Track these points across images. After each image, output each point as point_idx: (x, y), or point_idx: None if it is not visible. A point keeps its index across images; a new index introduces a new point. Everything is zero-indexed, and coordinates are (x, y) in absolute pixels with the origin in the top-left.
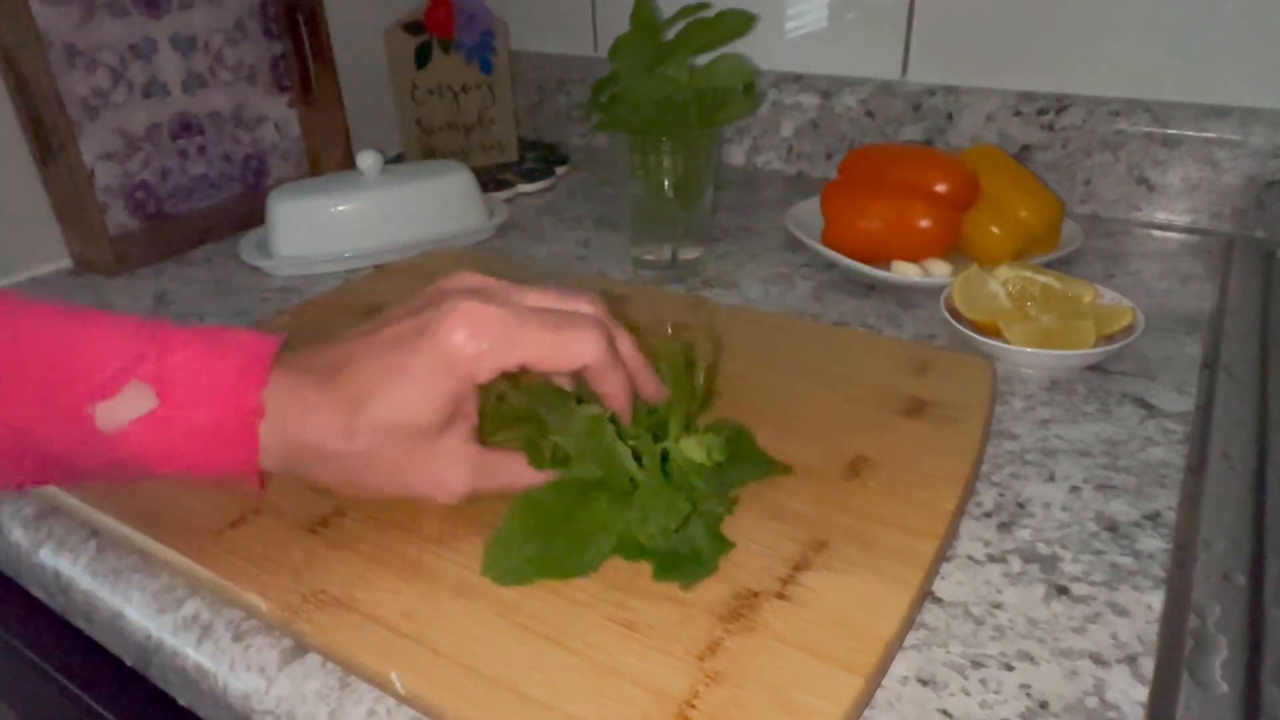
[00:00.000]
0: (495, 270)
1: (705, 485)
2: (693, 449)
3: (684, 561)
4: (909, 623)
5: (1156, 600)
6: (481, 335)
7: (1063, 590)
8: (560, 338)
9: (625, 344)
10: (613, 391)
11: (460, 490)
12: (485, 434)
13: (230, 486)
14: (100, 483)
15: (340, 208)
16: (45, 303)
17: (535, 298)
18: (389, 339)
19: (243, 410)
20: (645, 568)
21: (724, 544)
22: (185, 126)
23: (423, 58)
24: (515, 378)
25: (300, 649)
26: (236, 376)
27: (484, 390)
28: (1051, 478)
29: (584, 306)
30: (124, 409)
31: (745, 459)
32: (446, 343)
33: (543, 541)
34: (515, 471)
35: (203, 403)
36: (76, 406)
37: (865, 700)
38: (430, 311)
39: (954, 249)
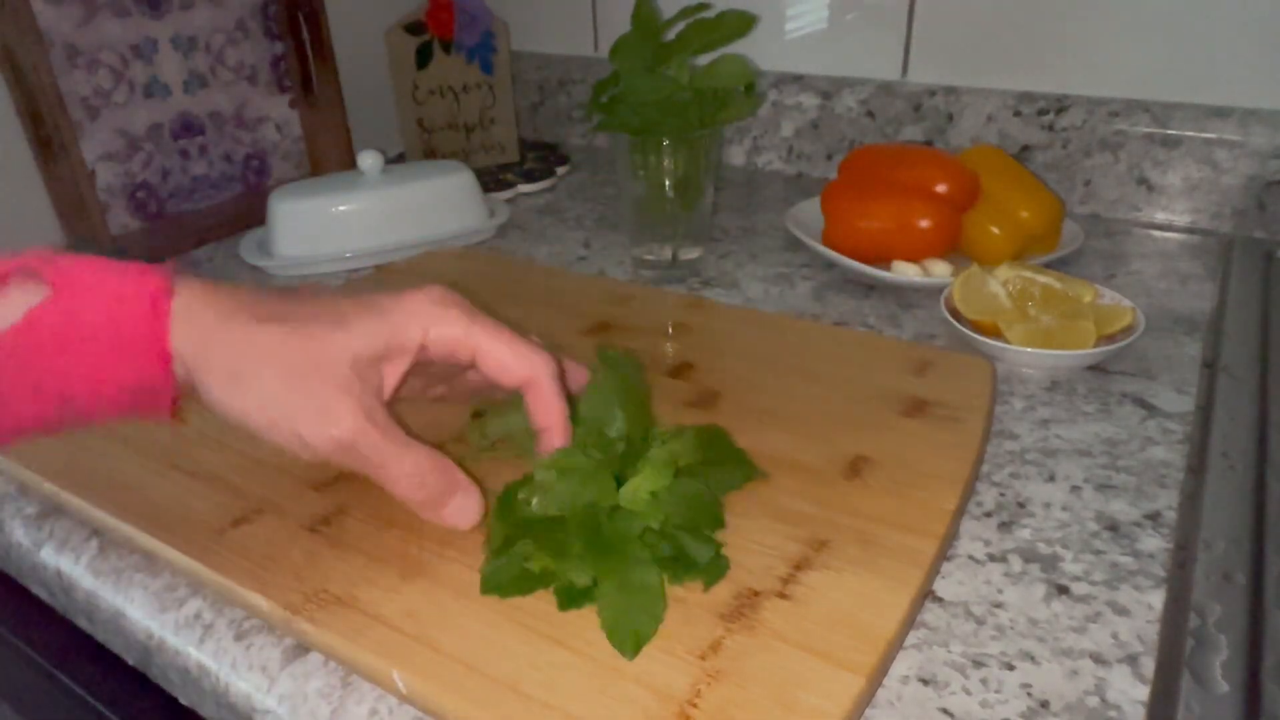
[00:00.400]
0: (495, 270)
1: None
2: (646, 482)
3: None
4: (910, 622)
5: (1157, 600)
6: (448, 302)
7: (1063, 590)
8: (515, 344)
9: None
10: (552, 420)
11: (346, 423)
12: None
13: (258, 478)
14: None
15: (341, 208)
16: None
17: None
18: (343, 297)
19: (150, 289)
20: None
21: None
22: (186, 126)
23: (423, 58)
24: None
25: (302, 648)
26: (135, 269)
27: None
28: (1052, 477)
29: (535, 343)
30: (13, 302)
31: (725, 462)
32: (417, 295)
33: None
34: (401, 450)
35: (102, 288)
36: None
37: (866, 699)
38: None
39: (954, 249)
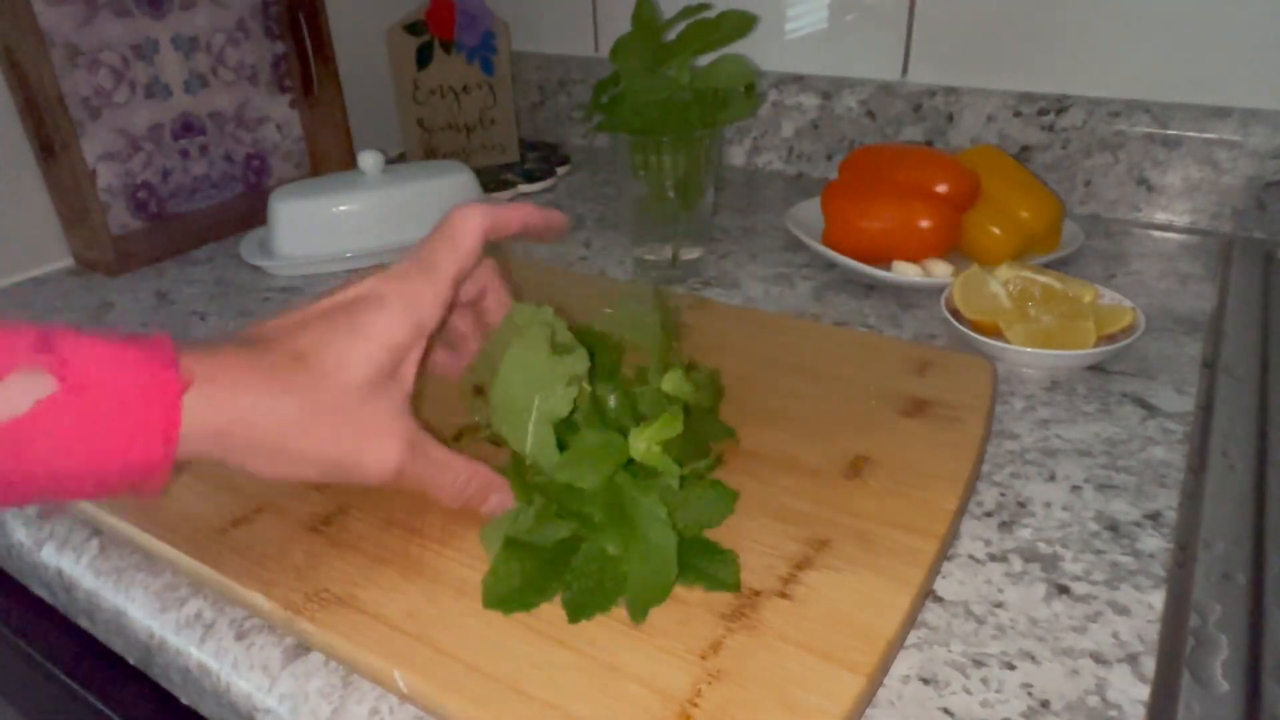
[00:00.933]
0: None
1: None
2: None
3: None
4: (910, 622)
5: (1157, 599)
6: (418, 291)
7: (1064, 589)
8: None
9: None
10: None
11: (391, 464)
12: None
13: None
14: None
15: (342, 208)
16: None
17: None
18: (327, 307)
19: (161, 381)
20: None
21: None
22: (187, 126)
23: (424, 58)
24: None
25: (303, 647)
26: (141, 353)
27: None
28: (1052, 477)
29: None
30: (17, 395)
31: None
32: (386, 295)
33: (540, 583)
34: (444, 464)
35: (110, 379)
36: None
37: (867, 699)
38: (360, 285)
39: (954, 249)
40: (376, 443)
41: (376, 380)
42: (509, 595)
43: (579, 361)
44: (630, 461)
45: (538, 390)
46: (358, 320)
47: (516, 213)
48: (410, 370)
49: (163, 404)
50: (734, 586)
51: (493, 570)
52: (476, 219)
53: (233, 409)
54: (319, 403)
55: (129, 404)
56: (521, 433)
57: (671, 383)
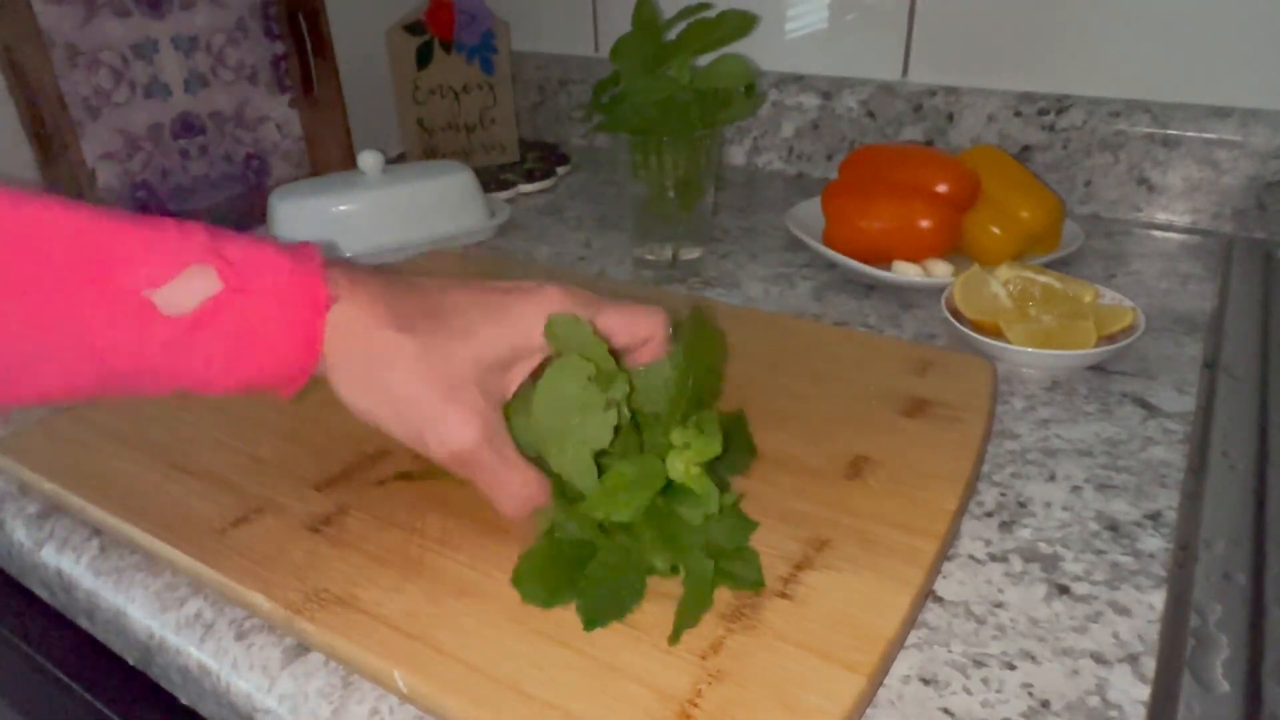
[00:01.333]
0: (496, 270)
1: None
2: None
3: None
4: (910, 622)
5: (1158, 599)
6: (568, 302)
7: (1064, 589)
8: (635, 310)
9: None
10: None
11: (465, 439)
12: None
13: (259, 478)
14: (145, 389)
15: (341, 208)
16: (60, 198)
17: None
18: (480, 285)
19: (312, 298)
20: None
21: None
22: (187, 126)
23: (424, 58)
24: None
25: (303, 648)
26: (296, 264)
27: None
28: (1052, 477)
29: (654, 309)
30: (187, 292)
31: (739, 448)
32: (544, 295)
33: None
34: (502, 465)
35: (268, 286)
36: (133, 293)
37: (867, 699)
38: (526, 283)
39: (954, 249)
40: (462, 413)
41: (490, 365)
42: (548, 595)
43: (619, 386)
44: (668, 485)
45: (576, 414)
46: (505, 305)
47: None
48: (517, 376)
49: (311, 313)
50: (758, 585)
51: (528, 571)
52: (659, 327)
53: (357, 327)
54: (432, 353)
55: (284, 309)
56: (560, 456)
57: (682, 437)
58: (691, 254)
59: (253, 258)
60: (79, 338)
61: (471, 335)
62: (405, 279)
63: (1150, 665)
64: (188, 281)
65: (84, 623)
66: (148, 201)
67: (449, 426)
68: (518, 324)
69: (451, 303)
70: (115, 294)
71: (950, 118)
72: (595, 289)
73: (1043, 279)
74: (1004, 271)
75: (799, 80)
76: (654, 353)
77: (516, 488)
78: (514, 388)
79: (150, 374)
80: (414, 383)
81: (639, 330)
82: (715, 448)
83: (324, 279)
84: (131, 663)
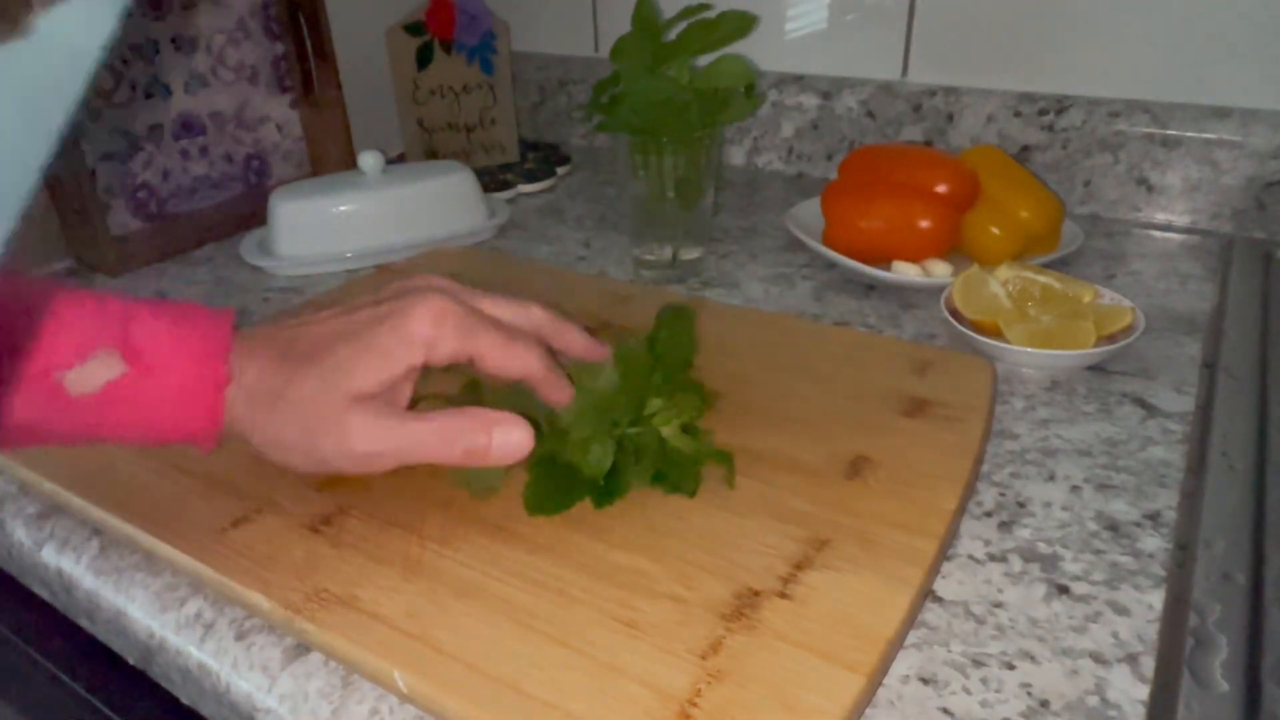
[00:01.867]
0: (496, 270)
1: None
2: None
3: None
4: (910, 622)
5: (1157, 599)
6: (443, 322)
7: (1063, 589)
8: (510, 347)
9: (572, 336)
10: (555, 396)
11: (386, 457)
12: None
13: (259, 479)
14: (52, 444)
15: (342, 208)
16: None
17: (490, 304)
18: (354, 320)
19: (211, 377)
20: (649, 567)
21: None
22: (187, 126)
23: (424, 58)
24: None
25: (303, 648)
26: (201, 344)
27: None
28: (1052, 477)
29: (535, 313)
30: (93, 375)
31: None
32: (414, 318)
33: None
34: (432, 432)
35: (170, 368)
36: (44, 374)
37: (866, 699)
38: (396, 301)
39: (954, 249)
40: (352, 441)
41: (367, 393)
42: (547, 498)
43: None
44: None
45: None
46: (376, 336)
47: (567, 336)
48: (406, 391)
49: (212, 390)
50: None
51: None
52: (538, 363)
53: (251, 404)
54: (313, 403)
55: (184, 389)
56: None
57: (671, 428)
58: (691, 254)
59: (159, 340)
60: (5, 411)
61: (348, 373)
62: (293, 328)
63: (1149, 665)
64: (94, 366)
65: (84, 623)
66: (147, 201)
67: (343, 453)
68: (393, 354)
69: (322, 343)
70: (31, 375)
71: (950, 118)
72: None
73: (1042, 279)
74: (1004, 271)
75: (799, 80)
76: (546, 387)
77: (432, 438)
78: (403, 403)
79: (66, 438)
80: (312, 436)
81: (511, 370)
82: (697, 410)
83: (225, 358)
84: (132, 663)
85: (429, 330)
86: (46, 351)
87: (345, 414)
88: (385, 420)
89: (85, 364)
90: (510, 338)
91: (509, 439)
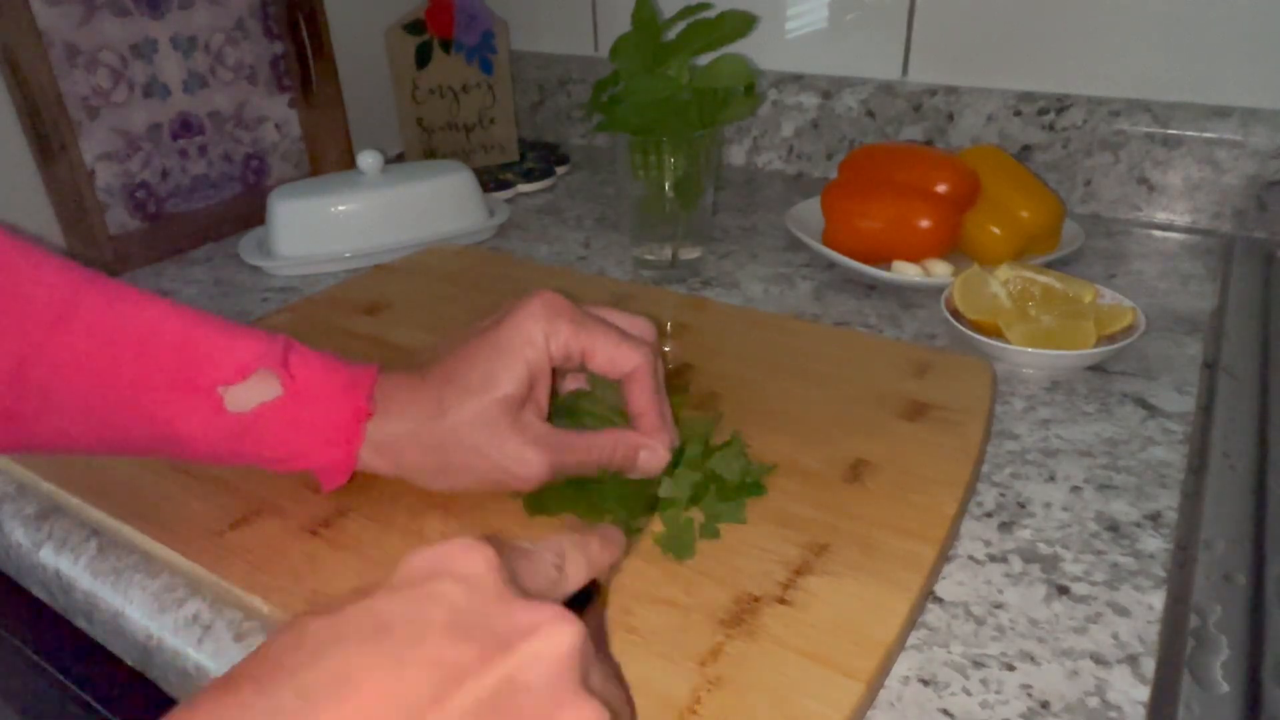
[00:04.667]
0: (495, 270)
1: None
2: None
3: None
4: (910, 626)
5: (1157, 600)
6: (557, 313)
7: (1064, 590)
8: (621, 342)
9: (660, 370)
10: (646, 405)
11: (539, 466)
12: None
13: (258, 480)
14: (195, 460)
15: (341, 207)
16: (168, 300)
17: (600, 310)
18: (475, 332)
19: (353, 408)
20: (648, 572)
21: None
22: (186, 126)
23: (423, 58)
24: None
25: None
26: (348, 378)
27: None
28: (1052, 478)
29: (642, 327)
30: (252, 393)
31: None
32: (526, 314)
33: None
34: (588, 446)
35: (320, 398)
36: (208, 387)
37: (866, 705)
38: (507, 307)
39: (954, 249)
40: (521, 450)
41: (515, 398)
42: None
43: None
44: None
45: None
46: (500, 341)
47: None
48: (544, 391)
49: (352, 423)
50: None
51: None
52: (648, 360)
53: (400, 433)
54: (467, 421)
55: (329, 418)
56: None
57: (667, 488)
58: (691, 254)
59: (313, 368)
60: (161, 420)
61: (488, 386)
62: (422, 363)
63: (1150, 666)
64: (254, 384)
65: (82, 623)
66: (146, 201)
67: (522, 462)
68: (522, 354)
69: (459, 359)
70: (196, 387)
71: (950, 117)
72: (596, 289)
73: (1043, 279)
74: (1004, 271)
75: (799, 80)
76: (640, 390)
77: (603, 458)
78: (545, 401)
79: (214, 456)
80: (475, 454)
81: (619, 364)
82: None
83: (368, 395)
84: (130, 664)
85: (543, 321)
86: (214, 367)
87: (511, 420)
88: (551, 431)
89: (246, 381)
90: (621, 333)
91: (652, 455)
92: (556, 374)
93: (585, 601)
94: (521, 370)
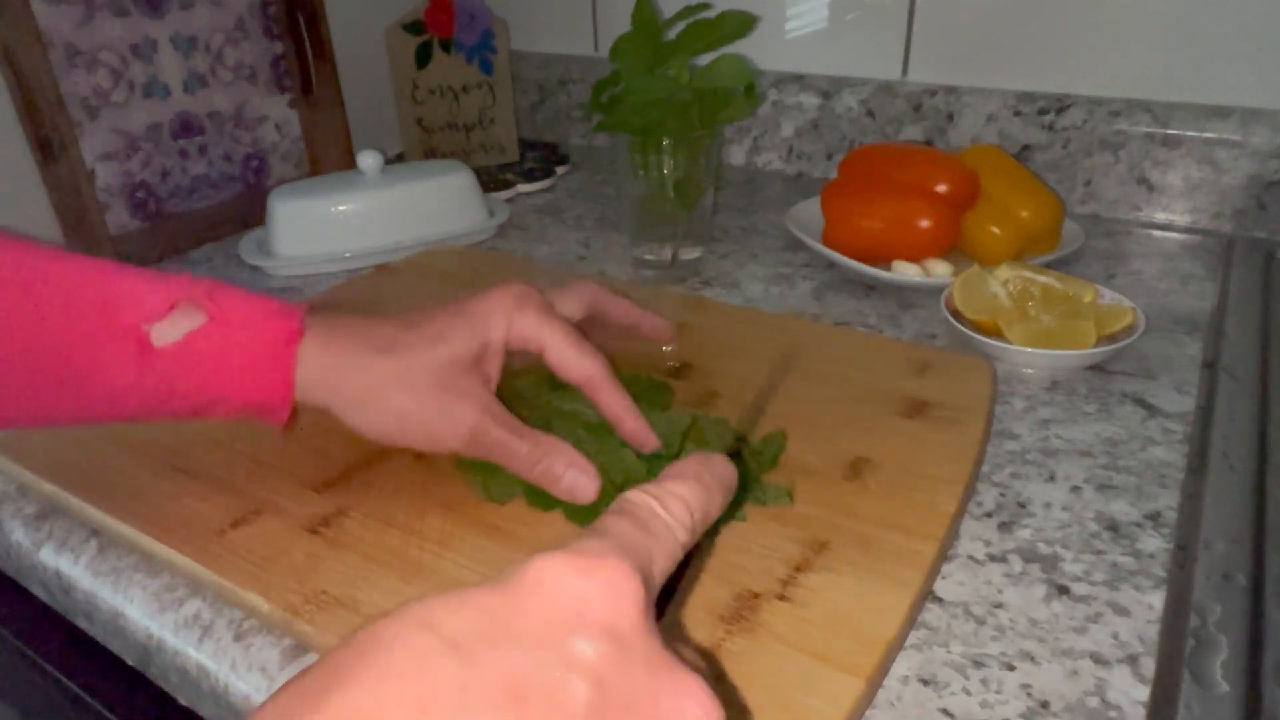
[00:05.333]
0: (495, 270)
1: None
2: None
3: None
4: (910, 624)
5: (1157, 600)
6: (526, 302)
7: (1063, 590)
8: (578, 347)
9: (626, 307)
10: (615, 409)
11: (463, 426)
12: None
13: (258, 480)
14: (148, 417)
15: (341, 208)
16: (81, 254)
17: (552, 294)
18: (438, 306)
19: (285, 330)
20: None
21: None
22: (186, 126)
23: (423, 58)
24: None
25: (301, 649)
26: (278, 307)
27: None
28: (1052, 477)
29: (588, 286)
30: (177, 325)
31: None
32: (497, 297)
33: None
34: (513, 435)
35: (249, 323)
36: (132, 328)
37: (866, 702)
38: (478, 291)
39: (954, 249)
40: (456, 403)
41: (467, 358)
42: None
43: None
44: None
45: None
46: (467, 306)
47: (621, 306)
48: (494, 364)
49: (284, 343)
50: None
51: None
52: (590, 290)
53: (341, 361)
54: (414, 362)
55: (258, 339)
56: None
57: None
58: (691, 254)
59: (238, 298)
60: (90, 372)
61: (444, 339)
62: (378, 317)
63: (1150, 666)
64: (178, 317)
65: (83, 623)
66: (146, 201)
67: (451, 414)
68: (482, 321)
69: (422, 315)
70: (120, 330)
71: (950, 117)
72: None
73: (1042, 279)
74: (1004, 271)
75: (799, 80)
76: (603, 395)
77: (526, 452)
78: (495, 374)
79: (149, 401)
80: (407, 392)
81: (571, 368)
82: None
83: (300, 319)
84: (130, 663)
85: (512, 304)
86: (135, 306)
87: (452, 376)
88: (494, 405)
89: (170, 315)
90: (580, 339)
91: (578, 481)
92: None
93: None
94: (476, 336)
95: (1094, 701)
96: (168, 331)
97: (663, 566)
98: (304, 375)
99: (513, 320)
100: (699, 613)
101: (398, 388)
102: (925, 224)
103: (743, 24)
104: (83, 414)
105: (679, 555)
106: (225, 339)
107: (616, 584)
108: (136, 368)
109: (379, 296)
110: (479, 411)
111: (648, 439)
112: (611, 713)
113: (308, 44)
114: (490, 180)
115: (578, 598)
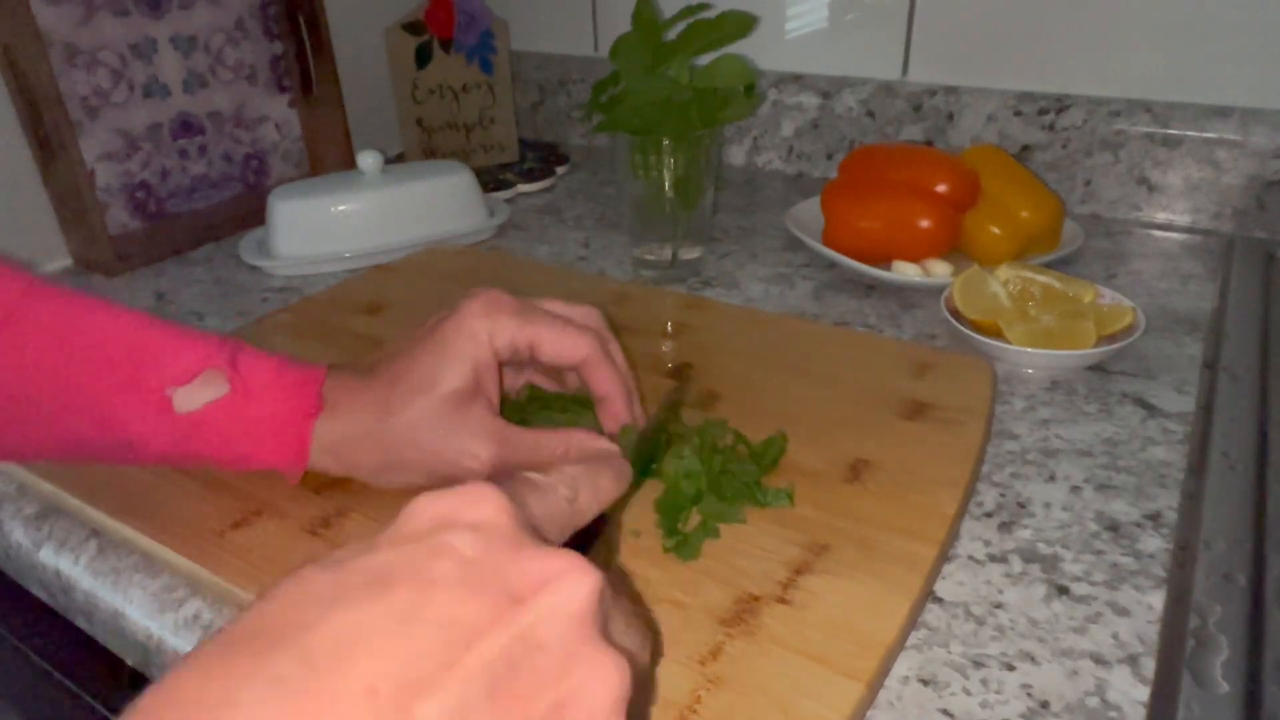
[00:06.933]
0: (495, 270)
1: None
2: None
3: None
4: (910, 627)
5: (1157, 600)
6: (497, 309)
7: (1064, 590)
8: (566, 330)
9: (616, 353)
10: (607, 387)
11: (485, 459)
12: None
13: (258, 481)
14: (150, 463)
15: (341, 208)
16: (119, 305)
17: (546, 301)
18: (419, 334)
19: (302, 405)
20: (649, 572)
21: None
22: (186, 126)
23: (423, 58)
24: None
25: None
26: (297, 377)
27: (510, 406)
28: (1052, 478)
29: (587, 315)
30: (199, 393)
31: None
32: (468, 312)
33: None
34: (535, 443)
35: (268, 396)
36: (157, 389)
37: (866, 705)
38: (450, 307)
39: (954, 249)
40: (469, 443)
41: (465, 390)
42: None
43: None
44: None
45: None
46: (441, 338)
47: (608, 369)
48: (491, 382)
49: (301, 420)
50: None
51: None
52: (595, 346)
53: (350, 429)
54: (416, 419)
55: (277, 415)
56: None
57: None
58: (691, 254)
59: (261, 368)
60: (113, 422)
61: (433, 382)
62: (369, 365)
63: (1150, 666)
64: (202, 384)
65: (83, 623)
66: (146, 201)
67: (465, 462)
68: (465, 350)
69: (403, 358)
70: (145, 389)
71: (950, 117)
72: (596, 289)
73: (1042, 279)
74: (1004, 271)
75: (799, 80)
76: (596, 374)
77: (556, 450)
78: (494, 397)
79: (167, 458)
80: (421, 448)
81: (567, 354)
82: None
83: (317, 392)
84: (130, 663)
85: (484, 317)
86: (161, 369)
87: (456, 415)
88: (502, 425)
89: (193, 382)
90: (566, 322)
91: (619, 469)
92: (504, 369)
93: (594, 535)
94: (465, 366)
95: (1094, 702)
96: (190, 399)
97: (541, 510)
98: (317, 446)
99: (492, 330)
100: (700, 616)
101: (410, 448)
102: (925, 224)
103: (743, 24)
104: (104, 456)
105: (560, 506)
106: (244, 411)
107: (482, 497)
108: (157, 427)
109: (379, 296)
110: (495, 444)
111: (625, 422)
112: (476, 585)
113: (308, 44)
114: (490, 180)
115: (445, 509)
